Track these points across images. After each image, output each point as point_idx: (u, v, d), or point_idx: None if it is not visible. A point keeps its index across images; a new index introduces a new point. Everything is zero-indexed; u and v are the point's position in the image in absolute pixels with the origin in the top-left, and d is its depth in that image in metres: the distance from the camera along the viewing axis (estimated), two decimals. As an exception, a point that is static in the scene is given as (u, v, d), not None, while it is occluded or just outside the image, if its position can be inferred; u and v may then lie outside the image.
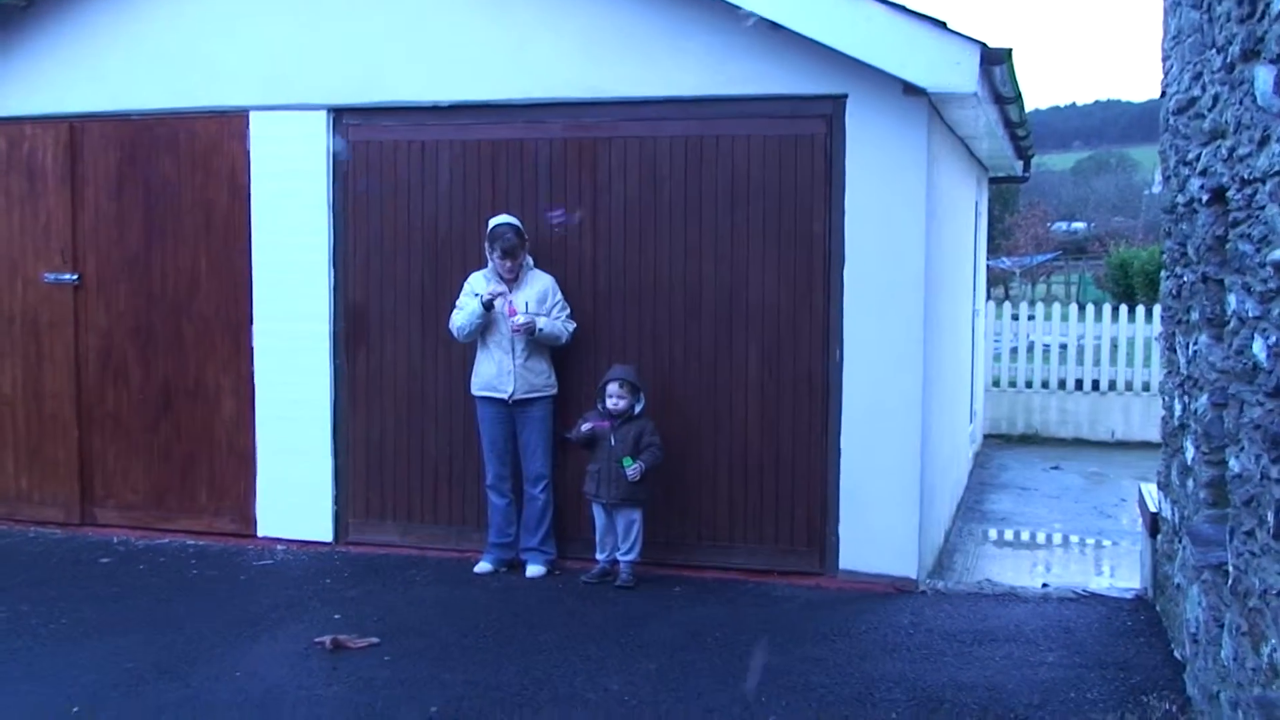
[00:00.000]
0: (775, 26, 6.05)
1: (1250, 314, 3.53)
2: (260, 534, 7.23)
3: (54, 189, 7.47)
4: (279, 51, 6.97)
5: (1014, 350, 13.45)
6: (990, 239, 15.80)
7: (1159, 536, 5.83)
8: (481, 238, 6.56)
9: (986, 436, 12.52)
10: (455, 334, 6.53)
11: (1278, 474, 3.18)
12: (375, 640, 5.41)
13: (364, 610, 5.90)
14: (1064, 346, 13.20)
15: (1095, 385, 12.84)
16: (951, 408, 8.31)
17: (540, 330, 6.36)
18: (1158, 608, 5.88)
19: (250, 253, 7.14)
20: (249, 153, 7.10)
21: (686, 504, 6.59)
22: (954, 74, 5.81)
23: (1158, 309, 7.95)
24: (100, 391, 7.48)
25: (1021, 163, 10.57)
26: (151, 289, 7.35)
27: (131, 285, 7.38)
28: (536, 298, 6.44)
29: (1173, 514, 5.34)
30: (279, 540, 7.18)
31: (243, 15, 7.01)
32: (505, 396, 6.46)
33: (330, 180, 6.98)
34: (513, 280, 6.43)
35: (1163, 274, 5.73)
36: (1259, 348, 3.42)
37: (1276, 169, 3.21)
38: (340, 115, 6.96)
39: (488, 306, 6.36)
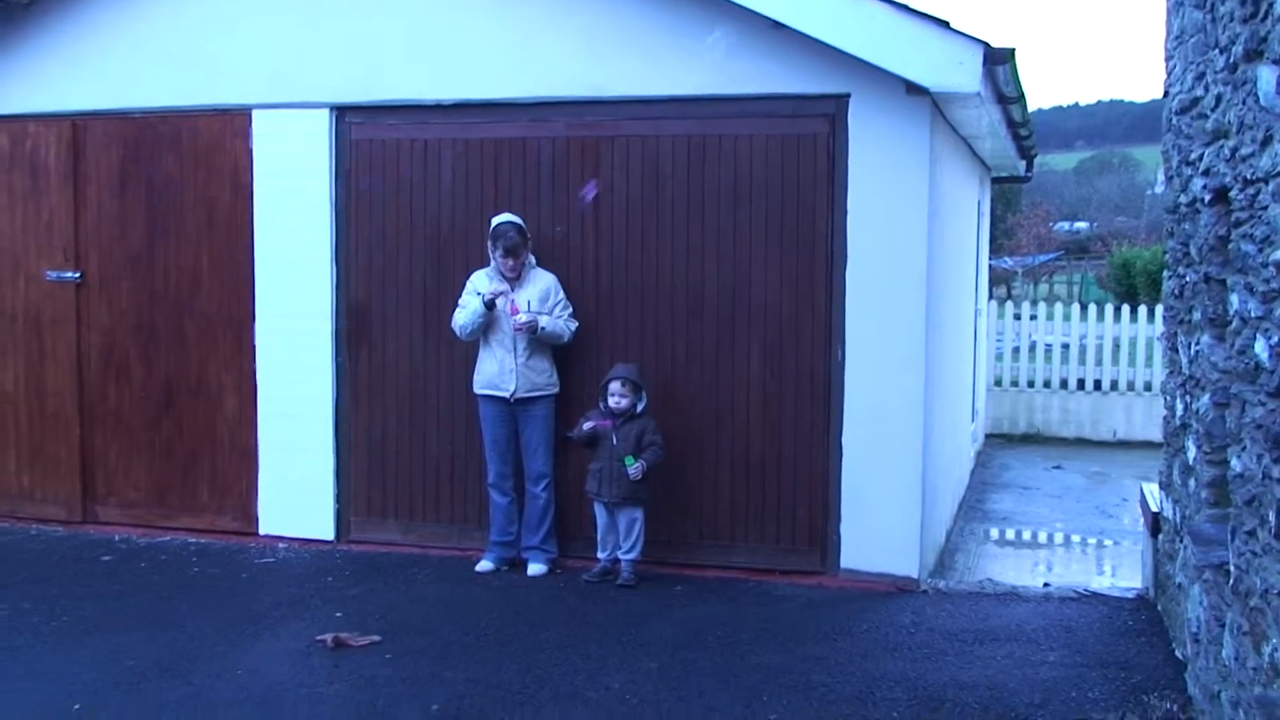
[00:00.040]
0: (778, 25, 6.05)
1: (1252, 314, 3.53)
2: (262, 532, 7.24)
3: (56, 187, 7.47)
4: (281, 50, 6.97)
5: (1016, 350, 13.45)
6: (992, 239, 15.78)
7: (1160, 536, 5.83)
8: (484, 236, 6.56)
9: (988, 436, 12.52)
10: (457, 332, 6.53)
11: (1279, 474, 3.18)
12: (377, 638, 5.41)
13: (365, 608, 5.90)
14: (1066, 346, 13.20)
15: (1097, 385, 12.84)
16: (953, 407, 8.31)
17: (542, 329, 6.37)
18: (1159, 607, 5.88)
19: (252, 251, 7.15)
20: (251, 151, 7.11)
21: (688, 503, 6.60)
22: (957, 74, 5.80)
23: (1160, 309, 7.93)
24: (102, 389, 7.49)
25: (1024, 162, 10.57)
26: (154, 287, 7.35)
27: (134, 283, 7.38)
28: (539, 296, 6.44)
29: (1174, 513, 5.34)
30: (281, 538, 7.19)
31: (245, 14, 7.01)
32: (507, 395, 6.46)
33: (333, 178, 6.99)
34: (515, 279, 6.44)
35: (1165, 274, 5.73)
36: (1261, 348, 3.42)
37: (1279, 169, 3.21)
38: (343, 113, 6.97)
39: (489, 306, 6.37)
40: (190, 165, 7.25)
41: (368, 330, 7.03)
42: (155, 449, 7.42)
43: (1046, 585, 6.61)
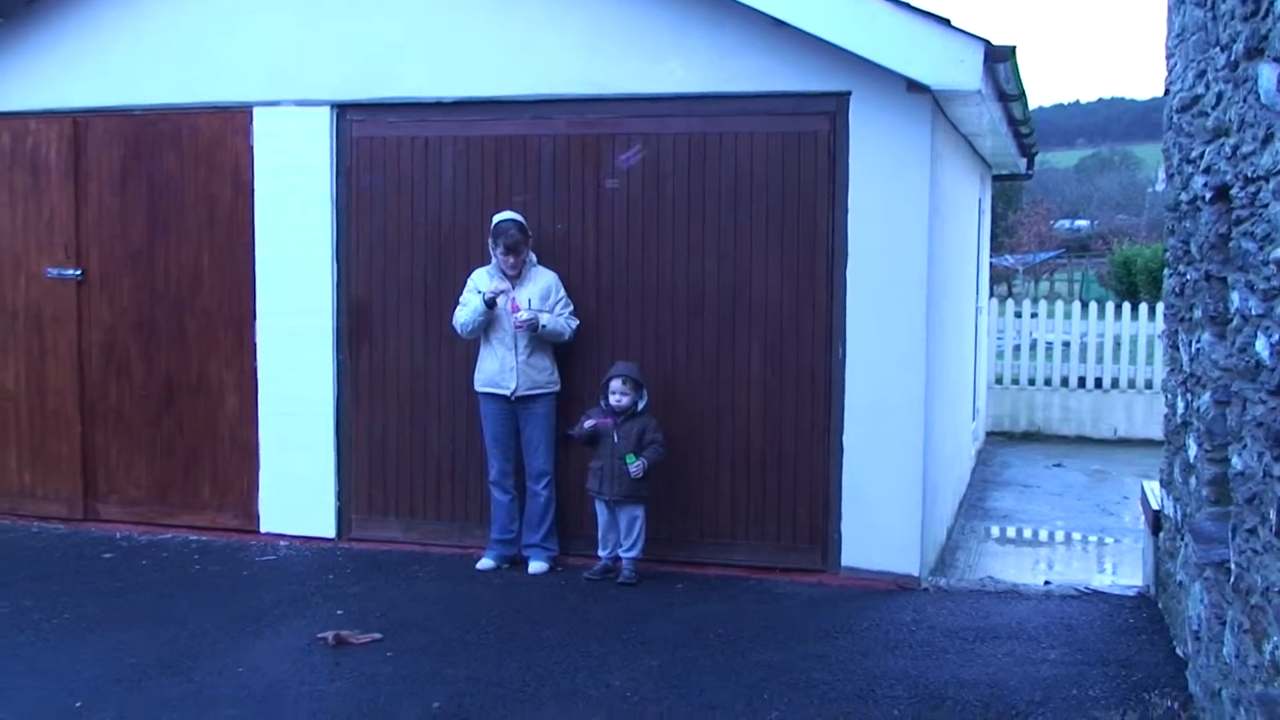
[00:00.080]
0: (779, 23, 6.05)
1: (1253, 312, 3.53)
2: (263, 529, 7.24)
3: (57, 184, 7.47)
4: (283, 47, 6.97)
5: (1017, 348, 13.45)
6: (993, 236, 15.78)
7: (1161, 534, 5.84)
8: (485, 234, 6.56)
9: (989, 434, 12.52)
10: (458, 330, 6.53)
11: (1280, 472, 3.18)
12: (378, 636, 5.42)
13: (366, 606, 5.91)
14: (1067, 344, 13.20)
15: (1098, 383, 12.84)
16: (954, 405, 8.31)
17: (543, 327, 6.37)
18: (1160, 605, 5.88)
19: (253, 248, 7.15)
20: (252, 148, 7.11)
21: (689, 501, 6.60)
22: (958, 71, 5.80)
23: (1160, 307, 7.94)
24: (103, 387, 7.49)
25: (1025, 160, 10.56)
26: (155, 284, 7.36)
27: (135, 280, 7.39)
28: (539, 294, 6.44)
29: (1175, 511, 5.34)
30: (282, 536, 7.19)
31: (246, 11, 7.01)
32: (508, 393, 6.46)
33: (334, 176, 6.99)
34: (516, 277, 6.44)
35: (1166, 272, 5.73)
36: (1262, 345, 3.42)
37: (1279, 167, 3.21)
38: (344, 111, 6.97)
39: (490, 304, 6.37)
40: (191, 163, 7.25)
41: (369, 328, 7.03)
42: (156, 446, 7.43)
43: (1047, 583, 6.61)
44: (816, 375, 6.37)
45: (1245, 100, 3.64)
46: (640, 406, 6.31)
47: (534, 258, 6.55)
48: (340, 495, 7.13)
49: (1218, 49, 4.14)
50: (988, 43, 5.77)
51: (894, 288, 6.20)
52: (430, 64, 6.74)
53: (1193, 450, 4.83)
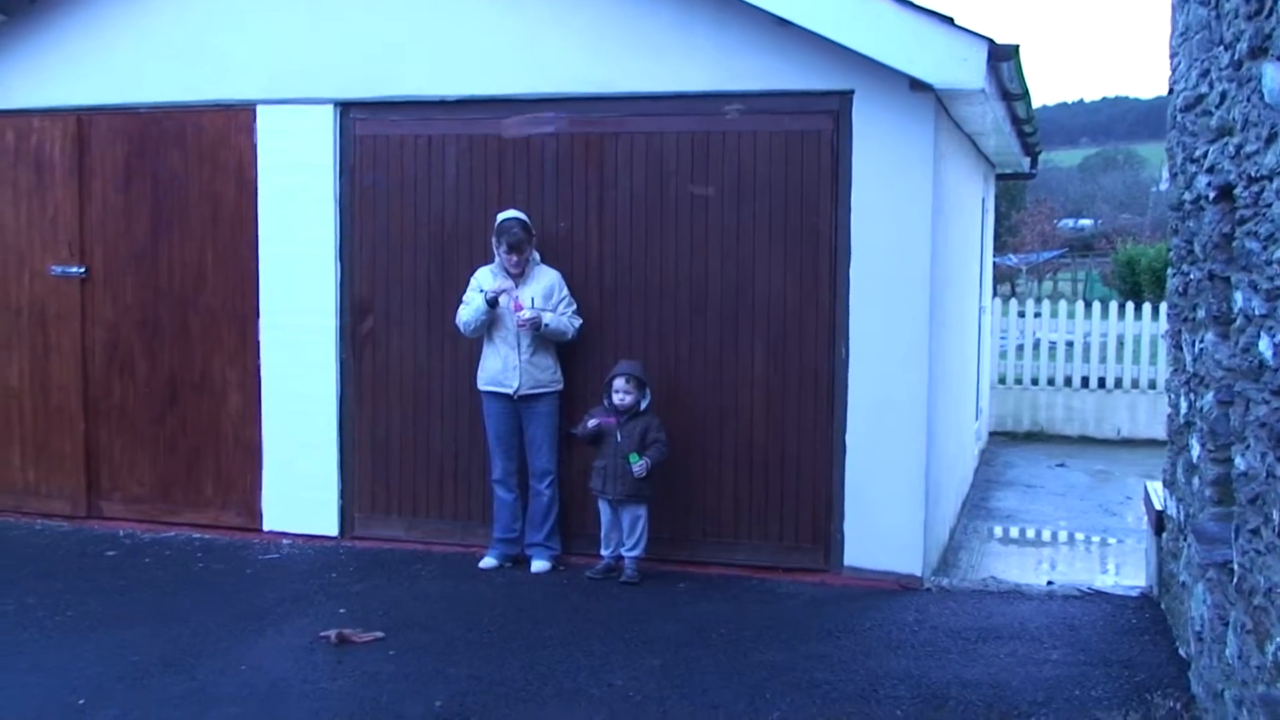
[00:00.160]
0: (783, 22, 6.05)
1: (1257, 312, 3.52)
2: (266, 528, 7.25)
3: (61, 181, 7.48)
4: (286, 45, 6.97)
5: (1020, 347, 13.43)
6: (997, 236, 15.77)
7: (1164, 534, 5.83)
8: (488, 232, 6.56)
9: (992, 434, 12.51)
10: (461, 329, 6.53)
11: (1284, 472, 3.18)
12: (380, 635, 5.42)
13: (369, 605, 5.91)
14: (1070, 344, 13.18)
15: (1101, 383, 12.82)
16: (957, 405, 8.30)
17: (546, 326, 6.37)
18: (1163, 606, 5.87)
19: (257, 246, 7.15)
20: (256, 146, 7.11)
21: (691, 500, 6.60)
22: (961, 70, 5.80)
23: (1164, 306, 7.93)
24: (106, 384, 7.50)
25: (1028, 159, 10.56)
26: (158, 282, 7.36)
27: (138, 278, 7.39)
28: (542, 293, 6.44)
29: (1178, 512, 5.34)
30: (285, 534, 7.20)
31: (251, 9, 7.01)
32: (511, 392, 6.46)
33: (337, 174, 6.99)
34: (519, 275, 6.44)
35: (1169, 271, 5.72)
36: (1265, 345, 3.41)
37: (1284, 167, 3.21)
38: (347, 109, 6.97)
39: (492, 303, 6.37)
40: (195, 161, 7.25)
41: (372, 326, 7.03)
42: (160, 444, 7.43)
43: (1050, 583, 6.61)
44: (819, 374, 6.37)
45: (1249, 99, 3.63)
46: (643, 405, 6.30)
47: (537, 256, 6.55)
48: (343, 494, 7.13)
49: (1221, 48, 4.14)
50: (991, 41, 5.77)
51: (897, 287, 6.19)
52: (433, 63, 6.74)
53: (1196, 450, 4.83)
